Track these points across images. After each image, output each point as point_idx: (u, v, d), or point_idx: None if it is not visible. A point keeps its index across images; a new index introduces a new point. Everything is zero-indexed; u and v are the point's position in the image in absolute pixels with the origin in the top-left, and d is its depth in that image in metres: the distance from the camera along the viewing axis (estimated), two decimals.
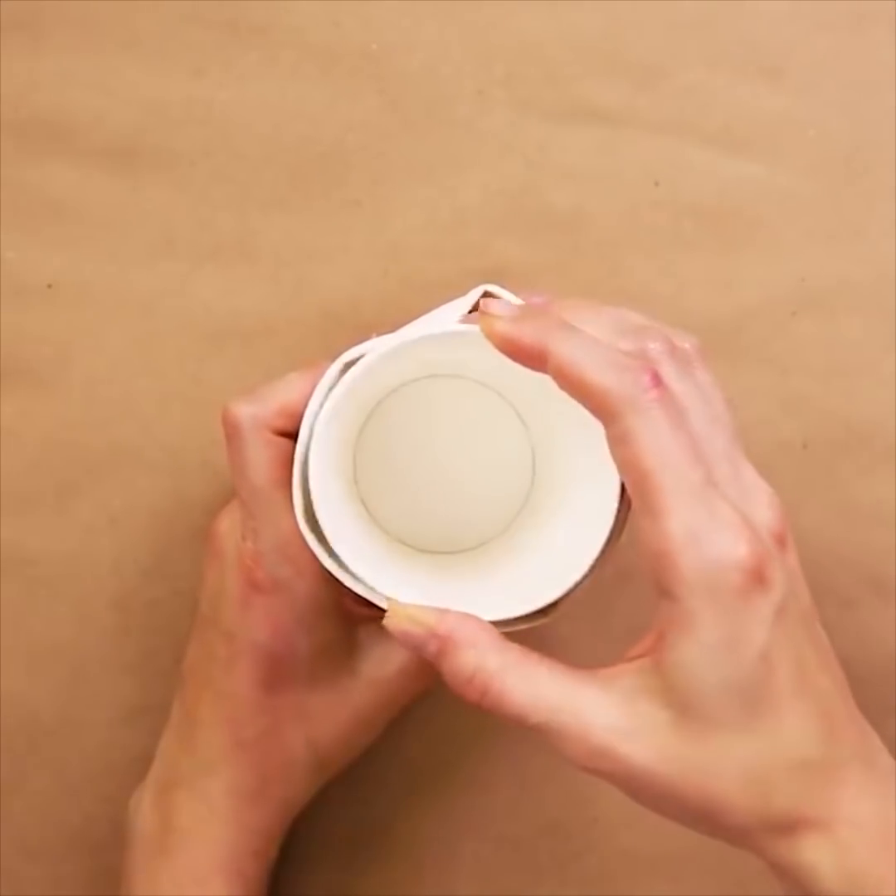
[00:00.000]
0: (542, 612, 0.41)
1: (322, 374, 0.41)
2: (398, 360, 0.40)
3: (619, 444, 0.36)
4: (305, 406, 0.41)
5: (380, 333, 0.40)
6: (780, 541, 0.37)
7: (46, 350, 0.51)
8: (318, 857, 0.51)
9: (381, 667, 0.45)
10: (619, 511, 0.40)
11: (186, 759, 0.46)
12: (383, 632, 0.45)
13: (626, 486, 0.37)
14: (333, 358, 0.41)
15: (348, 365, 0.40)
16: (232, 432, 0.43)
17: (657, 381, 0.36)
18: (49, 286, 0.51)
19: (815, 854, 0.36)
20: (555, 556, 0.42)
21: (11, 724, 0.51)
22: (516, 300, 0.40)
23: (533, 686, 0.37)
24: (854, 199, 0.51)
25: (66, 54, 0.50)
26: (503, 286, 0.41)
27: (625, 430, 0.36)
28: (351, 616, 0.45)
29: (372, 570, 0.40)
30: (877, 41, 0.51)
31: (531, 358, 0.37)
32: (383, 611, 0.40)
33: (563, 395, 0.37)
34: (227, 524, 0.45)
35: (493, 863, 0.51)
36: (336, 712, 0.45)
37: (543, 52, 0.51)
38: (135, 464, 0.51)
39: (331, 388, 0.41)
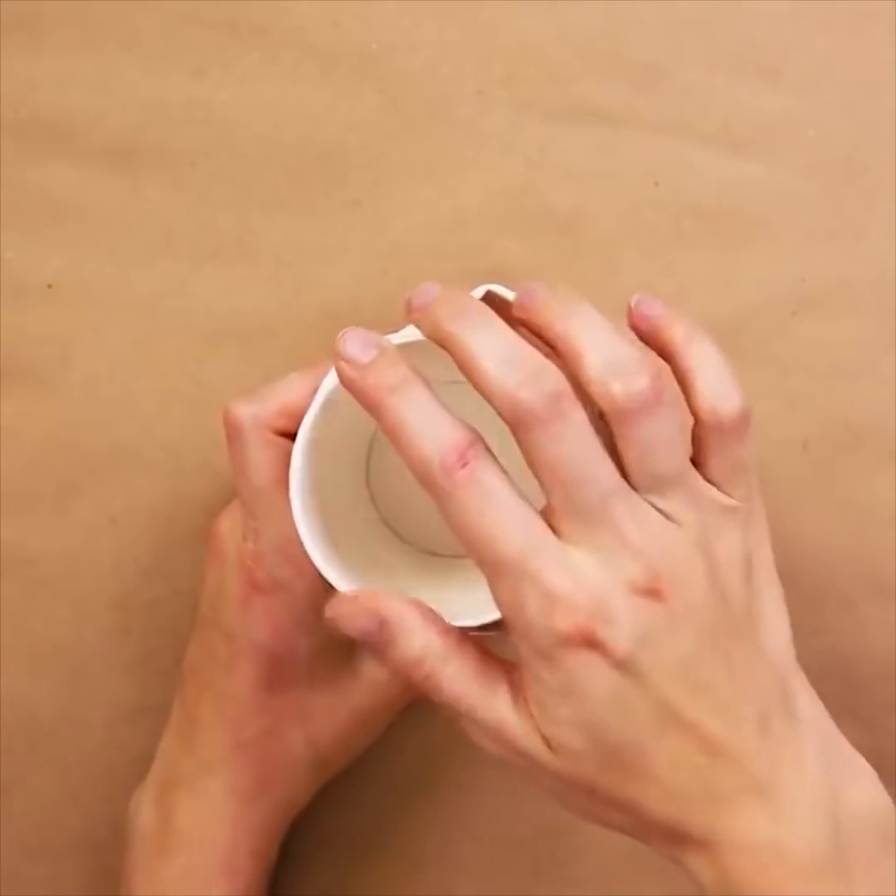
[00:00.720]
0: None
1: (323, 375, 0.41)
2: None
3: (441, 513, 0.37)
4: (307, 406, 0.41)
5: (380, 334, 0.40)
6: (650, 592, 0.36)
7: (46, 350, 0.51)
8: (318, 857, 0.51)
9: (380, 668, 0.45)
10: None
11: (186, 759, 0.46)
12: None
13: None
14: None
15: None
16: (233, 432, 0.43)
17: (463, 461, 0.36)
18: (49, 286, 0.51)
19: (697, 869, 0.37)
20: None
21: (11, 724, 0.51)
22: None
23: (463, 678, 0.38)
24: (854, 199, 0.51)
25: (66, 54, 0.50)
26: (505, 286, 0.41)
27: (439, 504, 0.37)
28: None
29: (353, 577, 0.40)
30: (877, 41, 0.51)
31: (368, 410, 0.38)
32: None
33: None
34: (228, 524, 0.45)
35: (492, 863, 0.51)
36: (336, 712, 0.45)
37: (543, 52, 0.51)
38: (135, 464, 0.51)
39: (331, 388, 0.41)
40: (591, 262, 0.51)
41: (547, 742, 0.37)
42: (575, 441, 0.37)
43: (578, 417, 0.37)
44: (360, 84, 0.51)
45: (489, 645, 0.40)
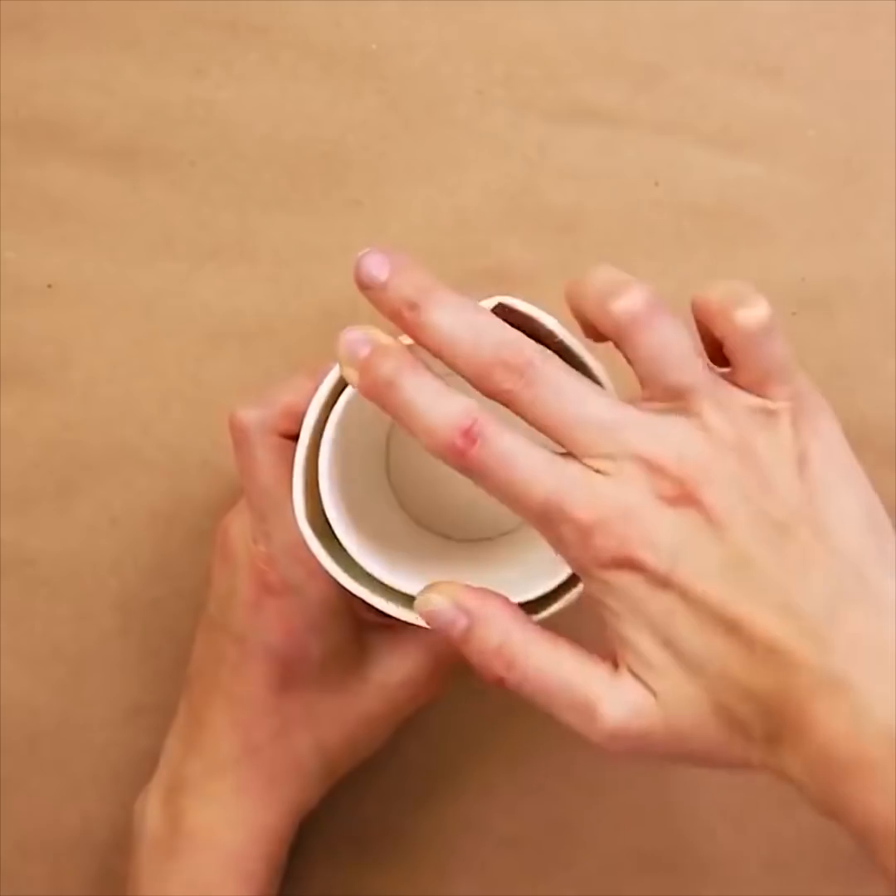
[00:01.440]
0: (541, 603, 0.41)
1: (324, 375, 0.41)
2: None
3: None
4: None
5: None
6: (679, 500, 0.37)
7: (46, 350, 0.51)
8: (319, 857, 0.51)
9: (390, 673, 0.45)
10: None
11: (194, 762, 0.46)
12: (393, 638, 0.45)
13: None
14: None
15: None
16: (240, 437, 0.43)
17: (471, 438, 0.37)
18: (49, 286, 0.51)
19: (791, 769, 0.37)
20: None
21: (11, 724, 0.51)
22: (532, 309, 0.40)
23: (555, 666, 0.38)
24: (854, 199, 0.51)
25: (66, 54, 0.50)
26: (512, 294, 0.41)
27: (467, 477, 0.38)
28: (361, 621, 0.45)
29: (384, 568, 0.41)
30: (877, 41, 0.51)
31: (381, 408, 0.38)
32: (388, 615, 0.40)
33: None
34: (238, 527, 0.45)
35: (493, 863, 0.51)
36: (344, 716, 0.45)
37: (543, 52, 0.51)
38: (135, 464, 0.51)
39: (331, 388, 0.41)
40: (590, 262, 0.50)
41: (652, 692, 0.37)
42: (554, 392, 0.38)
43: (551, 370, 0.38)
44: (360, 84, 0.51)
45: None
